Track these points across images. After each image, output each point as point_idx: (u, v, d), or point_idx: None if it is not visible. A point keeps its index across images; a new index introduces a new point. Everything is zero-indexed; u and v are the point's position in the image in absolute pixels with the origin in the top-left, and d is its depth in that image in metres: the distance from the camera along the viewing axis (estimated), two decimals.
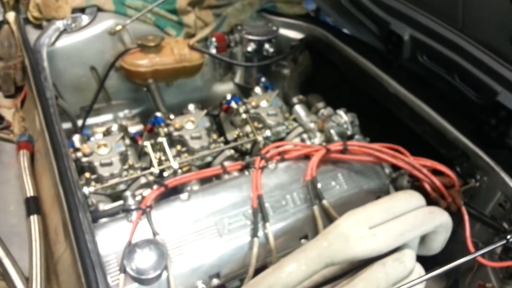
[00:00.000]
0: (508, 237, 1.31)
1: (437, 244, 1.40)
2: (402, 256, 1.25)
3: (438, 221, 1.32)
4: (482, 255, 1.41)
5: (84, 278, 1.00)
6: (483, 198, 1.55)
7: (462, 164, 1.59)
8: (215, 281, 1.34)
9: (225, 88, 2.40)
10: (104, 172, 1.52)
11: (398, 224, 1.27)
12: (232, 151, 1.70)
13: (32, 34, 1.91)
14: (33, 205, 1.33)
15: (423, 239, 1.37)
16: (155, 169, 1.55)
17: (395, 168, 1.65)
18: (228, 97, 1.90)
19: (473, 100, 1.70)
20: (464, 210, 1.43)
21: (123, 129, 1.80)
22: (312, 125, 1.80)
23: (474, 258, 1.38)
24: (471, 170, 1.57)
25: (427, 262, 1.36)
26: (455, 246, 1.42)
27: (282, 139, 1.81)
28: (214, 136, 1.73)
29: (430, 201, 1.45)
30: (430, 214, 1.32)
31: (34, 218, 1.28)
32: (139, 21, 2.08)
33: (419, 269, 1.30)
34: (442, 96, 1.80)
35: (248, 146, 1.76)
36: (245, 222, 1.40)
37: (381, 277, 1.20)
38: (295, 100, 1.93)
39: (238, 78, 2.35)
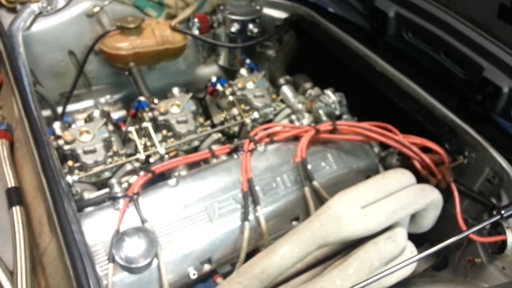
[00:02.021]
0: (502, 212, 1.32)
1: (428, 222, 1.40)
2: (394, 234, 1.25)
3: (429, 199, 1.32)
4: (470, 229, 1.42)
5: (72, 270, 0.97)
6: (472, 174, 1.55)
7: (451, 141, 1.59)
8: (207, 267, 1.33)
9: (209, 71, 2.35)
10: (87, 159, 1.47)
11: (390, 203, 1.26)
12: (219, 135, 1.67)
13: (6, 18, 1.82)
14: (15, 196, 1.28)
15: (414, 216, 1.37)
16: (141, 155, 1.50)
17: (383, 146, 1.65)
18: (214, 79, 1.86)
19: (459, 76, 1.70)
20: (453, 187, 1.43)
21: (105, 115, 1.74)
22: (300, 106, 1.78)
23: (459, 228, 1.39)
24: (459, 146, 1.57)
25: (416, 238, 1.36)
26: (443, 222, 1.43)
27: (270, 121, 1.78)
28: (201, 119, 1.69)
29: (420, 179, 1.45)
30: (421, 191, 1.32)
31: (16, 210, 1.23)
32: (118, 2, 2.00)
33: (411, 247, 1.30)
34: (428, 73, 1.79)
35: (236, 129, 1.72)
36: (236, 206, 1.38)
37: (374, 256, 1.20)
38: (281, 81, 1.90)
39: (222, 60, 2.29)
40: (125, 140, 1.70)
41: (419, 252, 1.33)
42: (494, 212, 1.46)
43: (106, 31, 1.95)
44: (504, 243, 1.39)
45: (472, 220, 1.50)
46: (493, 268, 1.45)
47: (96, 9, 1.94)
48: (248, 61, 2.14)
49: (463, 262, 1.54)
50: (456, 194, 1.42)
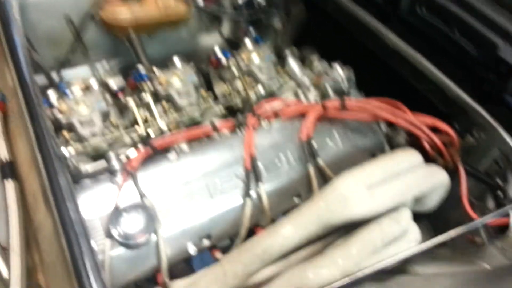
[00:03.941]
0: None
1: (433, 202, 1.38)
2: (398, 215, 1.22)
3: (437, 180, 1.29)
4: (474, 210, 1.39)
5: (68, 251, 0.94)
6: (479, 155, 1.51)
7: (461, 121, 1.54)
8: (206, 242, 1.30)
9: (211, 40, 2.24)
10: (84, 131, 1.42)
11: (397, 184, 1.23)
12: (222, 109, 1.61)
13: None
14: (8, 170, 1.23)
15: (420, 196, 1.34)
16: (141, 129, 1.45)
17: (390, 123, 1.59)
18: (217, 50, 1.78)
19: (473, 55, 1.63)
20: (461, 168, 1.40)
21: (103, 84, 1.68)
22: (306, 81, 1.71)
23: (464, 212, 1.37)
24: (469, 126, 1.53)
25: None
26: (446, 199, 1.40)
27: (275, 96, 1.72)
28: (203, 92, 1.63)
29: (428, 159, 1.42)
30: (429, 173, 1.29)
31: (10, 184, 1.18)
32: None
33: (414, 228, 1.28)
34: (441, 50, 1.72)
35: (239, 103, 1.66)
36: (237, 182, 1.34)
37: (377, 237, 1.17)
38: (288, 53, 1.82)
39: (226, 30, 2.21)
40: (123, 110, 1.64)
41: (420, 228, 1.31)
42: (499, 193, 1.44)
43: None
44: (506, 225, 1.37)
45: (475, 200, 1.47)
46: (493, 248, 1.42)
47: None
48: (253, 32, 2.06)
49: (462, 240, 1.52)
50: (463, 175, 1.39)
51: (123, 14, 1.84)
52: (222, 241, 1.35)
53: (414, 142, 1.49)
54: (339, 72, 1.69)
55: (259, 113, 1.48)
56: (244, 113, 1.63)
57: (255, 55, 1.74)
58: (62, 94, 1.54)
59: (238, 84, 1.69)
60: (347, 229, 1.21)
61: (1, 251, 1.10)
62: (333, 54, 1.85)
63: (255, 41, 1.94)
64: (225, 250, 1.31)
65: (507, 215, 1.35)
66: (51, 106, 1.46)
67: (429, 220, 1.49)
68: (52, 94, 1.49)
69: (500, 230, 1.40)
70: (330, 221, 1.16)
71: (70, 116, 1.43)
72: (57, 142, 1.22)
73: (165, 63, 1.80)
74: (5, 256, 1.09)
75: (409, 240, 1.20)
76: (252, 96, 1.64)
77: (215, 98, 1.71)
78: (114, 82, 1.70)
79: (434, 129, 1.47)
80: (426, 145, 1.44)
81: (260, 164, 1.38)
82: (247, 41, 1.87)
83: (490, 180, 1.45)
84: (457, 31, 1.65)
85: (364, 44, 1.83)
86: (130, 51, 1.93)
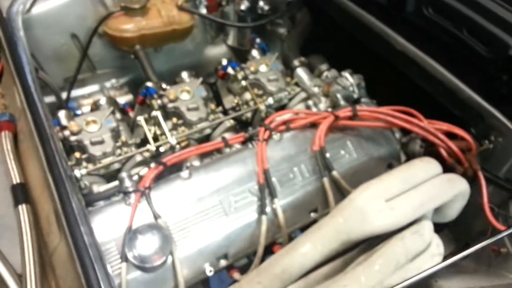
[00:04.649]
0: None
1: (454, 212, 1.34)
2: (420, 228, 1.19)
3: (457, 190, 1.25)
4: (497, 219, 1.35)
5: (83, 277, 0.91)
6: (498, 160, 1.47)
7: (477, 125, 1.50)
8: (223, 262, 1.27)
9: (217, 51, 2.23)
10: (95, 151, 1.41)
11: (417, 195, 1.20)
12: (232, 122, 1.59)
13: (4, 1, 1.72)
14: (20, 193, 1.21)
15: (439, 207, 1.30)
16: (151, 146, 1.43)
17: (405, 131, 1.56)
18: (224, 62, 1.76)
19: (483, 55, 1.60)
20: (481, 175, 1.36)
21: (112, 101, 1.66)
22: (316, 90, 1.68)
23: (487, 221, 1.33)
24: (486, 131, 1.49)
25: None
26: (466, 207, 1.36)
27: (284, 106, 1.70)
28: (212, 106, 1.61)
29: (446, 167, 1.38)
30: (449, 182, 1.25)
31: (23, 208, 1.17)
32: None
33: (436, 240, 1.24)
34: (450, 51, 1.68)
35: (249, 115, 1.64)
36: (252, 198, 1.32)
37: (400, 252, 1.13)
38: (296, 62, 1.80)
39: (231, 40, 2.19)
40: (133, 127, 1.63)
41: (441, 239, 1.27)
42: None
43: (110, 12, 1.84)
44: None
45: (497, 208, 1.43)
46: None
47: None
48: (258, 40, 2.04)
49: (487, 251, 1.48)
50: (483, 183, 1.34)
51: (127, 27, 1.84)
52: (240, 260, 1.32)
53: (430, 149, 1.46)
54: (349, 79, 1.66)
55: (270, 126, 1.45)
56: (254, 125, 1.62)
57: (263, 66, 1.72)
58: (72, 114, 1.53)
59: (247, 96, 1.67)
60: (368, 244, 1.18)
61: (16, 278, 1.08)
62: (340, 61, 1.82)
63: (261, 49, 1.92)
64: (243, 268, 1.28)
65: None
66: (61, 127, 1.45)
67: (450, 230, 1.45)
68: (62, 115, 1.48)
69: None
70: (350, 236, 1.13)
71: (81, 136, 1.42)
72: (68, 164, 1.20)
73: (172, 77, 1.79)
74: (21, 283, 1.07)
75: (432, 253, 1.16)
76: (262, 107, 1.61)
77: (224, 110, 1.69)
78: (123, 99, 1.69)
79: (451, 135, 1.44)
80: (443, 153, 1.40)
81: (273, 178, 1.35)
82: (254, 51, 1.85)
83: (510, 186, 1.40)
84: (465, 31, 1.62)
85: (372, 49, 1.79)
86: (138, 66, 1.92)
